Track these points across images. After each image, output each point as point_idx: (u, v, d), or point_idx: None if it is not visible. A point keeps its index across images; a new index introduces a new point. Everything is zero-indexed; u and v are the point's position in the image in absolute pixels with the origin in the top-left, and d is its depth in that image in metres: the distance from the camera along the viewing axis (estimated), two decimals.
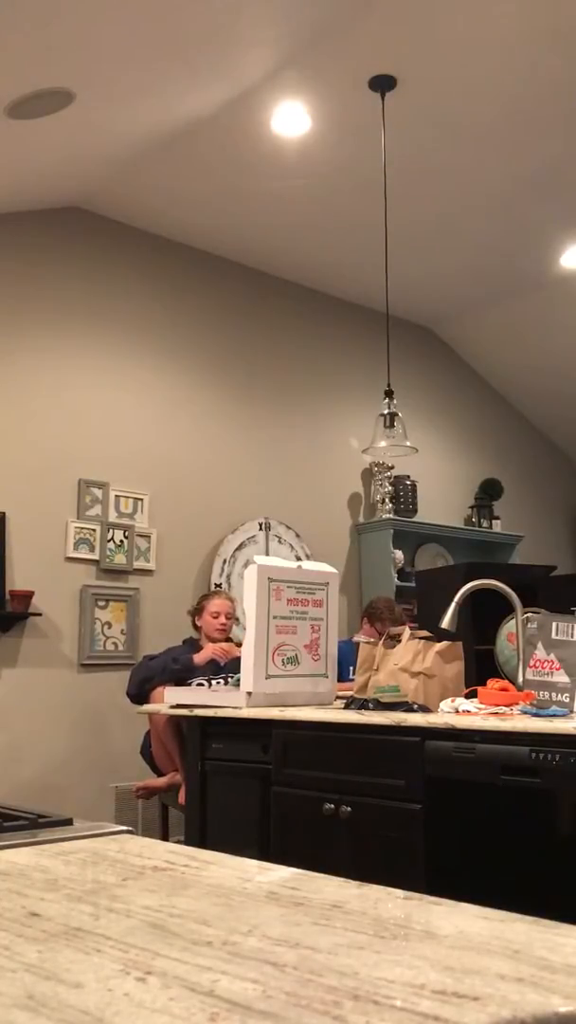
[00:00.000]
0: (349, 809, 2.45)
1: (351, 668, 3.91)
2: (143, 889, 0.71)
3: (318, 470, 5.73)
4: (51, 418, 4.59)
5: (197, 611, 4.21)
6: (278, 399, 5.61)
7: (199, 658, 3.88)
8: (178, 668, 3.86)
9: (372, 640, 3.24)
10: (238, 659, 4.06)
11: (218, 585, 5.04)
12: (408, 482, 5.99)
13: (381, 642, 2.97)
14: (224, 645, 3.94)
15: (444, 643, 2.80)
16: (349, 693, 3.01)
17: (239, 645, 3.89)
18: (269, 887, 0.71)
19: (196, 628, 4.20)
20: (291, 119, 4.10)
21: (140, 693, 3.84)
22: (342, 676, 3.52)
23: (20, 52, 3.28)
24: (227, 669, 3.98)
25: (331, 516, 5.78)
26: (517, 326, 6.35)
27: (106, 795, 4.47)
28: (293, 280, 5.80)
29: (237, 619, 4.95)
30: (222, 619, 4.10)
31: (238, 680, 3.15)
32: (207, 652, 3.90)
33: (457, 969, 0.50)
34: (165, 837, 4.05)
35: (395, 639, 2.97)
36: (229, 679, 3.80)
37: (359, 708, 2.58)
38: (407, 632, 2.94)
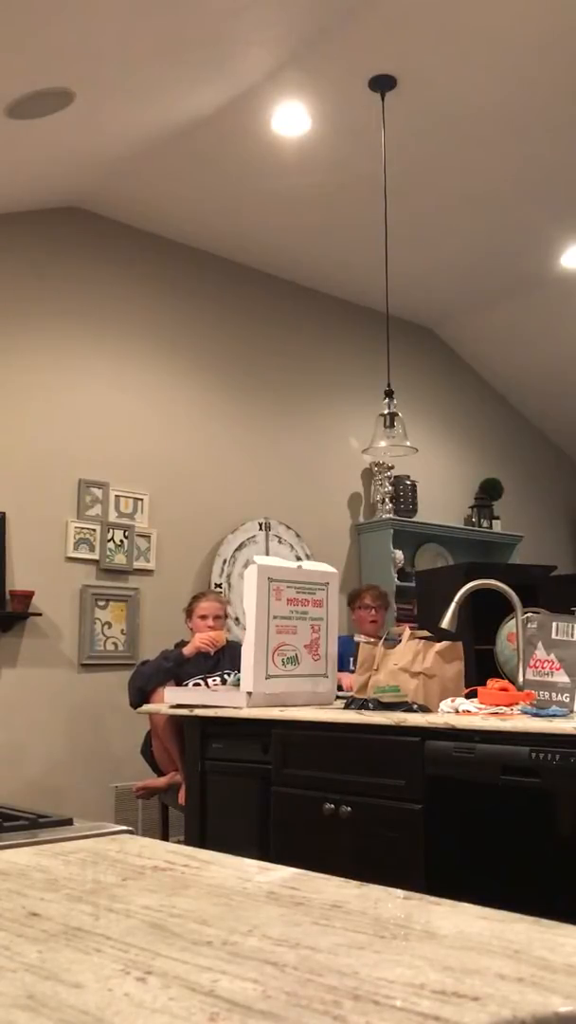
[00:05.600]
0: (349, 809, 2.45)
1: (351, 659, 3.93)
2: (143, 889, 0.71)
3: (318, 470, 5.73)
4: (51, 418, 4.59)
5: (188, 613, 4.22)
6: (278, 399, 5.61)
7: (188, 650, 3.90)
8: (170, 665, 3.87)
9: (371, 640, 3.24)
10: (231, 647, 4.08)
11: (218, 585, 5.03)
12: (408, 482, 5.99)
13: (381, 642, 2.97)
14: (212, 634, 3.93)
15: (444, 643, 2.80)
16: (350, 693, 3.01)
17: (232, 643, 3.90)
18: (269, 887, 0.71)
19: (190, 630, 4.21)
20: (291, 119, 4.10)
21: (141, 700, 3.84)
22: (341, 668, 3.52)
23: (20, 52, 3.28)
24: (223, 664, 3.98)
25: (331, 516, 5.78)
26: (517, 326, 6.35)
27: (106, 795, 4.47)
28: (293, 280, 5.80)
29: (237, 619, 4.95)
30: (210, 622, 4.09)
31: (238, 680, 3.15)
32: (194, 643, 3.91)
33: (457, 969, 0.50)
34: (165, 837, 4.05)
35: (395, 639, 2.97)
36: (227, 676, 3.80)
37: (359, 708, 2.58)
38: (407, 632, 2.94)
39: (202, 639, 3.90)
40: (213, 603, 4.15)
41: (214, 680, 3.86)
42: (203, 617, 4.09)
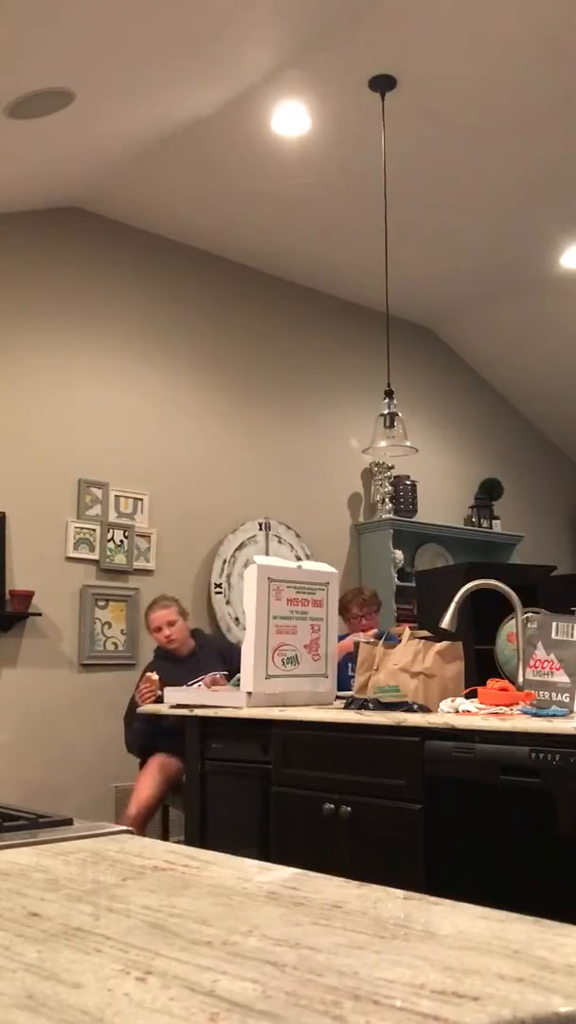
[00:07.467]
0: (349, 809, 2.45)
1: (349, 664, 3.93)
2: (143, 889, 0.71)
3: (318, 470, 5.73)
4: (51, 418, 4.59)
5: (147, 625, 4.21)
6: (278, 399, 5.61)
7: (143, 704, 3.70)
8: (145, 727, 3.78)
9: (371, 640, 3.24)
10: (203, 643, 4.04)
11: (218, 585, 5.03)
12: (408, 482, 5.99)
13: (381, 642, 2.98)
14: (143, 687, 3.71)
15: (444, 643, 2.80)
16: (350, 694, 3.01)
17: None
18: (269, 887, 0.71)
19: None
20: (291, 119, 4.09)
21: (144, 754, 3.92)
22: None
23: (20, 52, 3.28)
24: (203, 663, 3.95)
25: (331, 516, 5.77)
26: (517, 326, 6.35)
27: (106, 795, 4.46)
28: (293, 280, 5.80)
29: (237, 619, 4.95)
30: (165, 631, 4.04)
31: (238, 680, 3.15)
32: (141, 699, 3.76)
33: (457, 969, 0.50)
34: (165, 837, 4.04)
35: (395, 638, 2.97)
36: (222, 676, 3.78)
37: (359, 708, 2.58)
38: (407, 632, 2.94)
39: (140, 697, 3.73)
40: (159, 612, 4.09)
41: (197, 687, 3.83)
42: (157, 629, 4.07)
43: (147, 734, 3.82)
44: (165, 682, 3.69)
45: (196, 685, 3.79)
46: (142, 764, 3.99)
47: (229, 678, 3.95)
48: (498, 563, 6.20)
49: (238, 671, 3.99)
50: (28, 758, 4.26)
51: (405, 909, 0.64)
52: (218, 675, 3.83)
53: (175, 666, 3.96)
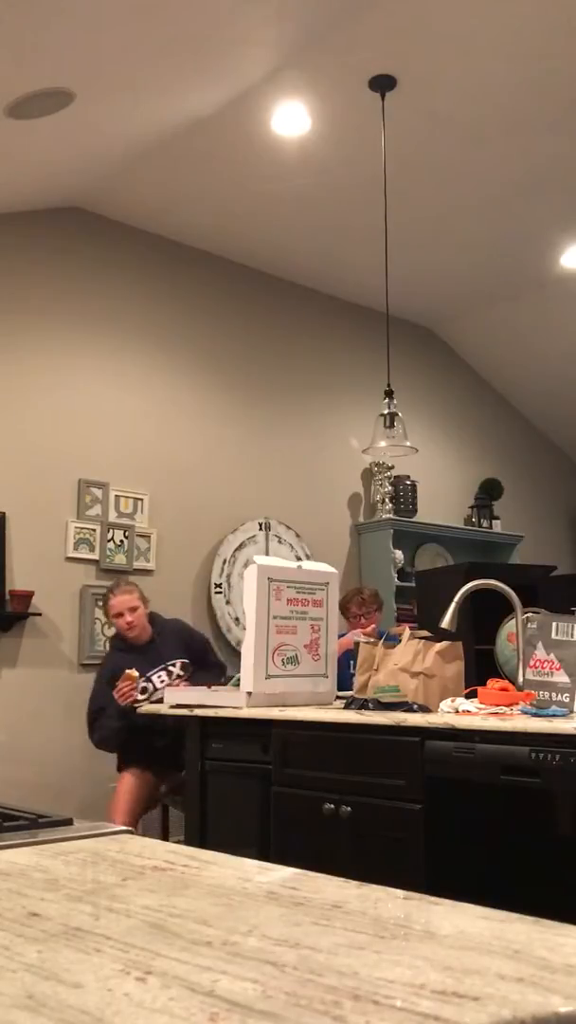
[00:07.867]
0: (349, 809, 2.45)
1: (351, 662, 3.93)
2: (143, 889, 0.71)
3: (318, 470, 5.73)
4: (51, 418, 4.59)
5: (105, 611, 4.10)
6: (278, 399, 5.61)
7: (121, 702, 3.66)
8: (120, 724, 3.72)
9: (371, 640, 3.24)
10: (162, 629, 4.01)
11: (218, 585, 5.03)
12: (408, 482, 5.99)
13: (381, 642, 2.98)
14: (123, 687, 3.64)
15: (444, 643, 2.80)
16: (350, 693, 3.01)
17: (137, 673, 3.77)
18: (269, 887, 0.71)
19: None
20: (291, 119, 4.09)
21: (122, 749, 3.85)
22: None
23: (20, 52, 3.28)
24: (163, 650, 3.92)
25: (331, 516, 5.77)
26: (517, 326, 6.35)
27: (106, 795, 4.46)
28: (293, 280, 5.80)
29: (237, 619, 4.95)
30: (126, 616, 3.90)
31: (237, 680, 3.15)
32: (120, 700, 3.69)
33: (457, 969, 0.50)
34: (165, 837, 4.04)
35: (395, 638, 2.97)
36: (171, 668, 3.76)
37: (359, 708, 2.58)
38: (407, 632, 2.94)
39: (119, 697, 3.66)
40: (121, 597, 3.95)
41: (159, 677, 3.80)
42: (118, 615, 3.93)
43: (123, 731, 3.77)
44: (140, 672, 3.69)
45: (157, 676, 3.78)
46: (120, 765, 3.93)
47: (193, 665, 3.91)
48: (498, 563, 6.20)
49: (200, 657, 3.99)
50: (28, 758, 4.26)
51: (405, 909, 0.64)
52: (177, 666, 3.80)
53: (135, 656, 3.86)
